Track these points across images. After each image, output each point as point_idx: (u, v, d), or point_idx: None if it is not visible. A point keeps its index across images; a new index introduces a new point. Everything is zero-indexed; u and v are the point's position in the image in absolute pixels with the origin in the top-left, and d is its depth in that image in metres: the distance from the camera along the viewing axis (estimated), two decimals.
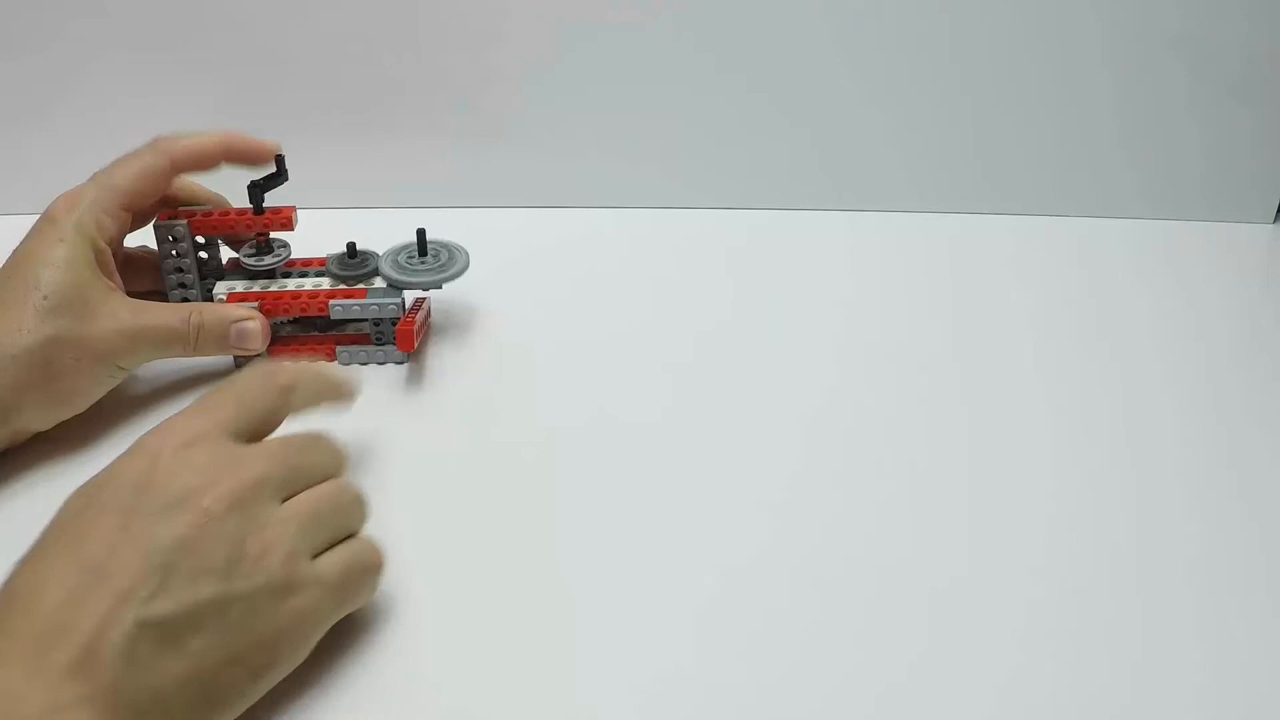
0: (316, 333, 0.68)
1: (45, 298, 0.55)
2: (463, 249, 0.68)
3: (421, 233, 0.67)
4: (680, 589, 0.51)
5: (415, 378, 0.66)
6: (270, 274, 0.67)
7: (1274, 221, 0.80)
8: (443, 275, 0.66)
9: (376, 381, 0.65)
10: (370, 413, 0.61)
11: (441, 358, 0.68)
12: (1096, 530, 0.54)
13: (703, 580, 0.51)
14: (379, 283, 0.67)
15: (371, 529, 0.49)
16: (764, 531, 0.54)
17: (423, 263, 0.67)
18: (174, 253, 0.65)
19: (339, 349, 0.67)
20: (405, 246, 0.67)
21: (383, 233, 0.68)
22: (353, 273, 0.67)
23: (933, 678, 0.46)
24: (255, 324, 0.63)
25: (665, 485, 0.57)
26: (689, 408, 0.63)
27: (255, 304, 0.64)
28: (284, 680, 0.45)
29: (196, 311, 0.61)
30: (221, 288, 0.66)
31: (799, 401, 0.63)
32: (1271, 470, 0.58)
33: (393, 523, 0.50)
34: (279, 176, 0.64)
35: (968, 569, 0.52)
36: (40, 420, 0.57)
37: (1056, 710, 0.45)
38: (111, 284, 0.59)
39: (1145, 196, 0.80)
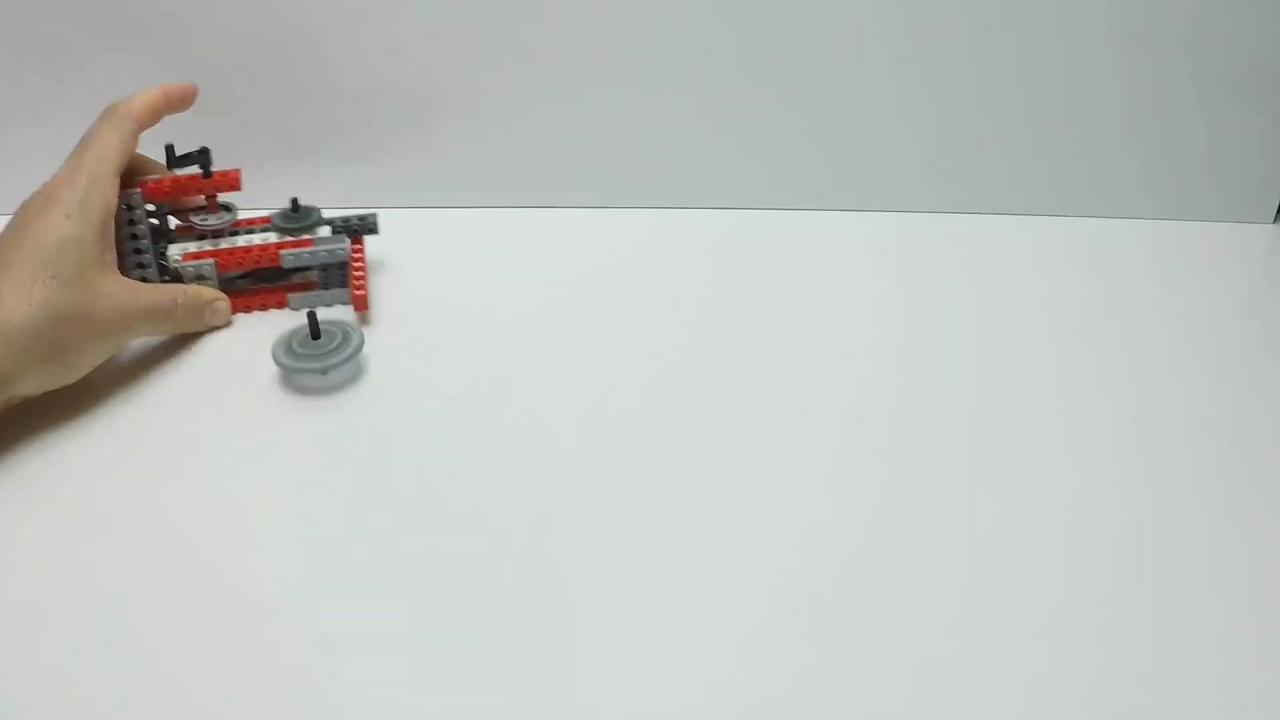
0: (267, 284, 0.73)
1: (54, 276, 0.60)
2: (357, 329, 0.66)
3: (312, 315, 0.65)
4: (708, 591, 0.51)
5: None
6: (219, 233, 0.72)
7: (1274, 221, 0.81)
8: (333, 361, 0.64)
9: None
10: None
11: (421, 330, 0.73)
12: (1107, 521, 0.55)
13: (734, 583, 0.51)
14: (323, 232, 0.73)
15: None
16: (791, 534, 0.54)
17: (316, 345, 0.65)
18: (130, 220, 0.69)
19: (291, 296, 0.72)
20: (296, 330, 0.66)
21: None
22: (298, 225, 0.72)
23: (961, 678, 0.47)
24: (225, 303, 0.70)
25: (676, 487, 0.57)
26: (699, 409, 0.63)
27: (212, 260, 0.70)
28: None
29: (181, 293, 0.68)
30: (175, 250, 0.71)
31: (813, 403, 0.63)
32: (1277, 464, 0.59)
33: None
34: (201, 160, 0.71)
35: (987, 566, 0.52)
36: (36, 387, 0.61)
37: (1089, 709, 0.46)
38: (109, 258, 0.64)
39: (1146, 197, 0.81)
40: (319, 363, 0.64)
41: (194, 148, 0.71)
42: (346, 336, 0.65)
